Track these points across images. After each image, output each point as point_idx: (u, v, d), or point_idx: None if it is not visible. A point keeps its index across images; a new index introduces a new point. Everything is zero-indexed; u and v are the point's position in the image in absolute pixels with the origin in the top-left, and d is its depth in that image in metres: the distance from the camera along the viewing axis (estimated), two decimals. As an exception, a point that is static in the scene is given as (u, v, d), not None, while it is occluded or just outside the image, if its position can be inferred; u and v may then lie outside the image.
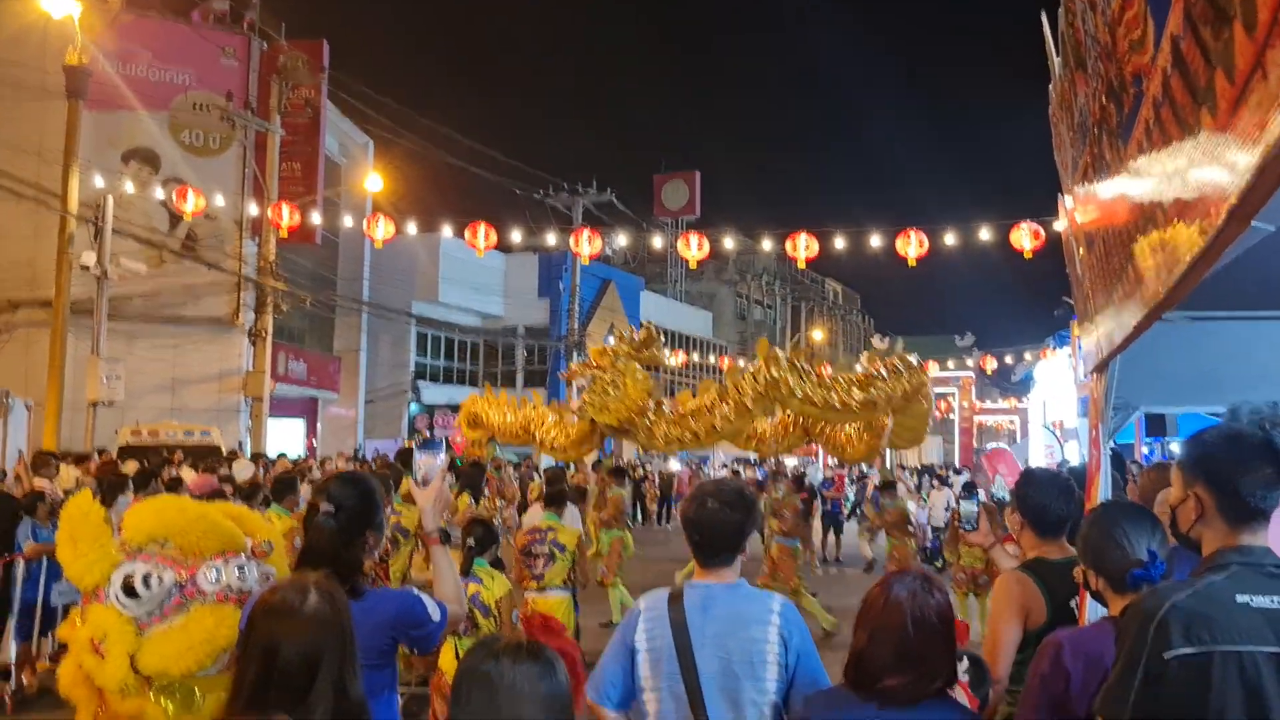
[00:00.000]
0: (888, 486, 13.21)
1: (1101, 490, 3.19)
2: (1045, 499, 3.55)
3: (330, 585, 2.19)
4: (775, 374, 9.82)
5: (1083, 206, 2.71)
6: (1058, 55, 2.85)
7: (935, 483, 22.02)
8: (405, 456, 11.03)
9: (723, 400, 10.33)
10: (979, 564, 10.72)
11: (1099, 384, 3.21)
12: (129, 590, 3.35)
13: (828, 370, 10.71)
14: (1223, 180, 1.24)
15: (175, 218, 23.67)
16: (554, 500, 8.25)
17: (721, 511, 2.98)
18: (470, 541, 5.87)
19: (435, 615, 2.92)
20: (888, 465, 21.65)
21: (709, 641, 2.89)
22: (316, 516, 2.88)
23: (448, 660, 5.68)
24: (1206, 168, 1.31)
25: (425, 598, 2.96)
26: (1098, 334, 2.90)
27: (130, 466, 11.74)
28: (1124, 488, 6.60)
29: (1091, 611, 3.13)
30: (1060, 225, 3.46)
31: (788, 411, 10.78)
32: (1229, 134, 1.16)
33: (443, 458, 3.34)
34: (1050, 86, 3.11)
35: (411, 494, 3.38)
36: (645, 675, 2.94)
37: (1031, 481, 3.67)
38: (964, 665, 2.92)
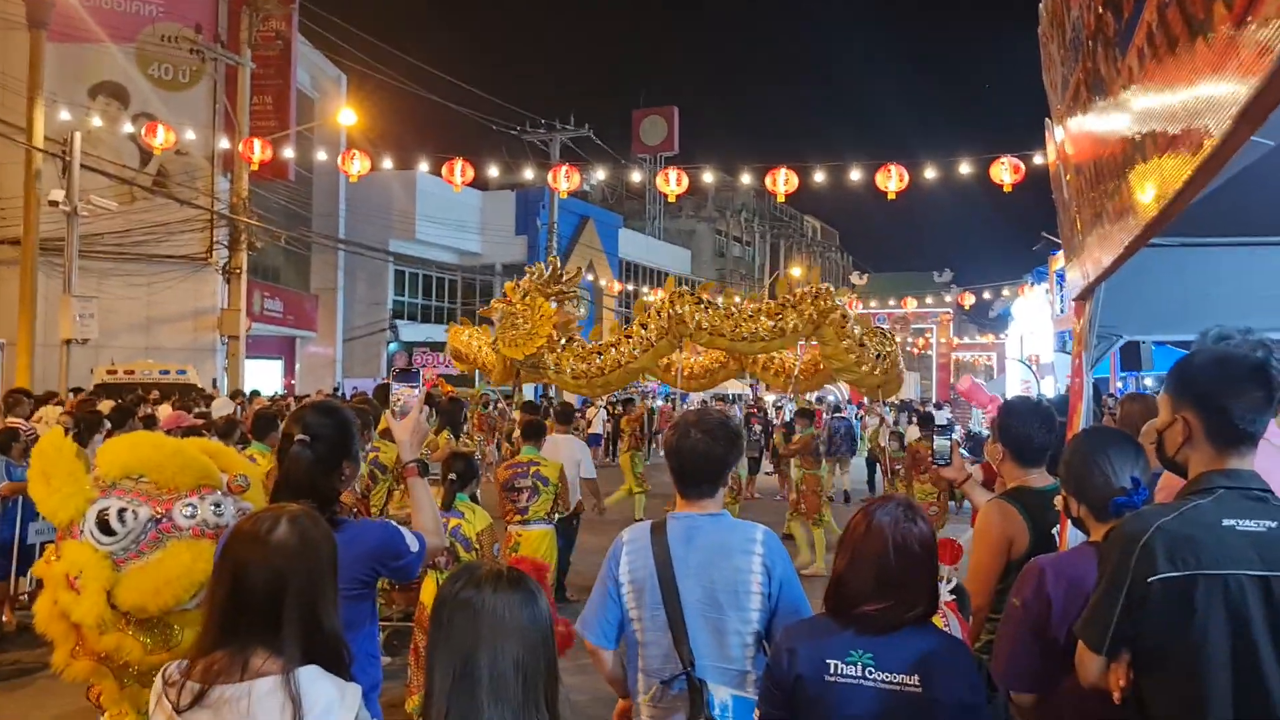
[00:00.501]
0: (802, 414, 13.37)
1: (1084, 419, 3.17)
2: (1026, 428, 3.54)
3: (309, 515, 2.15)
4: (679, 309, 9.91)
5: (1073, 127, 2.65)
6: (1050, -31, 2.78)
7: (913, 418, 22.16)
8: (384, 393, 11.00)
9: (628, 336, 10.38)
10: (930, 498, 11.06)
11: (1083, 311, 3.18)
12: (104, 526, 3.32)
13: (738, 301, 10.81)
14: (1232, 85, 1.18)
15: (146, 154, 23.25)
16: (533, 433, 8.25)
17: (704, 442, 2.95)
18: (452, 476, 5.87)
19: (414, 546, 2.88)
20: (865, 400, 21.80)
21: (692, 572, 2.88)
22: (292, 446, 2.82)
23: (429, 594, 5.69)
24: (1215, 73, 1.25)
25: (404, 529, 2.93)
26: (1084, 260, 2.86)
27: (106, 405, 11.61)
28: (1101, 420, 6.63)
29: (1072, 539, 3.12)
30: (1049, 152, 3.40)
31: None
32: (1243, 31, 1.10)
33: (420, 389, 3.28)
34: (1040, 4, 3.03)
35: (390, 429, 3.32)
36: (630, 606, 2.94)
37: (1012, 411, 3.66)
38: (949, 586, 2.91)
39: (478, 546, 5.61)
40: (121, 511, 3.33)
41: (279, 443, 2.92)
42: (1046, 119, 3.35)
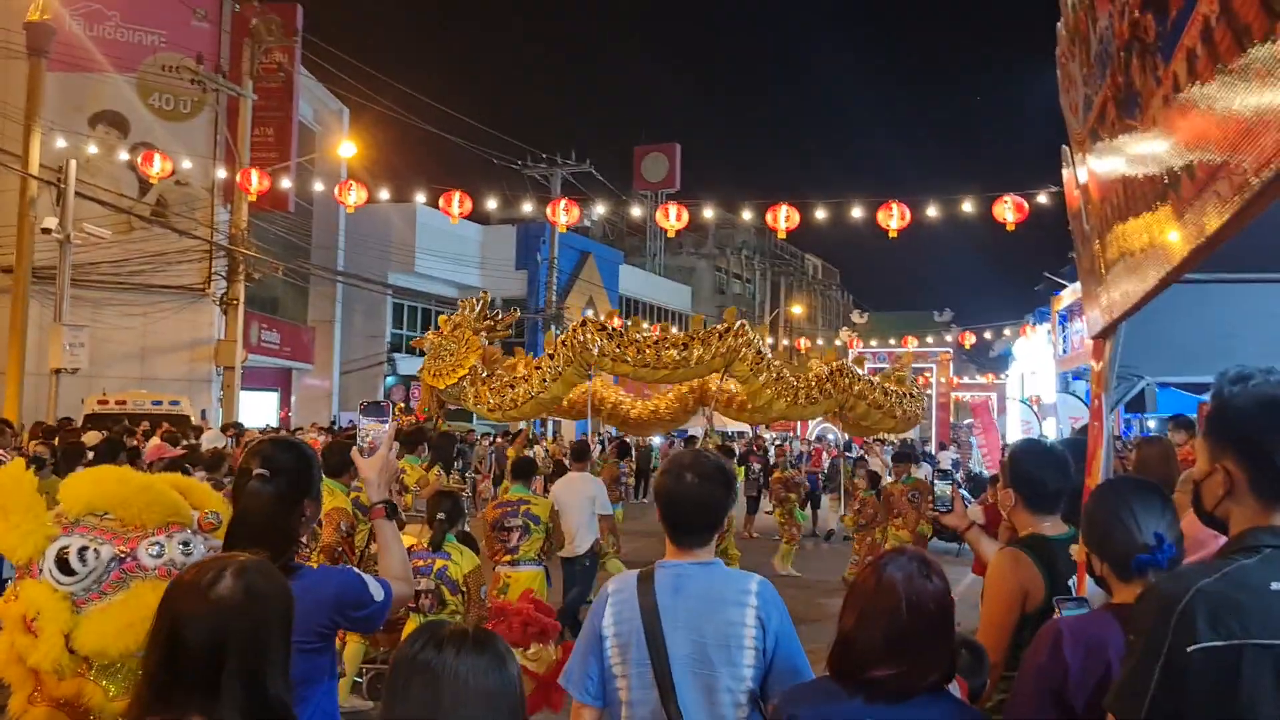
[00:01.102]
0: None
1: (1104, 465, 2.96)
2: (1039, 472, 3.34)
3: (259, 566, 1.94)
4: (582, 337, 9.93)
5: (1098, 150, 2.47)
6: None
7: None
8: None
9: (538, 367, 10.41)
10: (894, 543, 10.65)
11: (1104, 350, 2.98)
12: (64, 565, 3.13)
13: (645, 330, 10.76)
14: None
15: (145, 183, 23.20)
16: (522, 472, 8.06)
17: (698, 486, 2.76)
18: (441, 515, 5.67)
19: (378, 595, 2.67)
20: (867, 440, 21.61)
21: (681, 624, 2.68)
22: (249, 481, 2.60)
23: (412, 637, 5.47)
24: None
25: (367, 576, 2.72)
26: (1107, 295, 2.67)
27: (91, 436, 11.39)
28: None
29: (1091, 591, 2.91)
30: (1065, 178, 3.22)
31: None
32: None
33: (390, 424, 3.06)
34: (1059, 24, 2.86)
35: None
36: (614, 662, 2.73)
37: (1024, 455, 3.45)
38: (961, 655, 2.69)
39: (465, 589, 5.40)
40: (83, 550, 3.14)
41: (235, 478, 2.71)
42: (1064, 145, 3.18)
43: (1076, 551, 3.27)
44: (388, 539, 2.91)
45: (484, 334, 11.15)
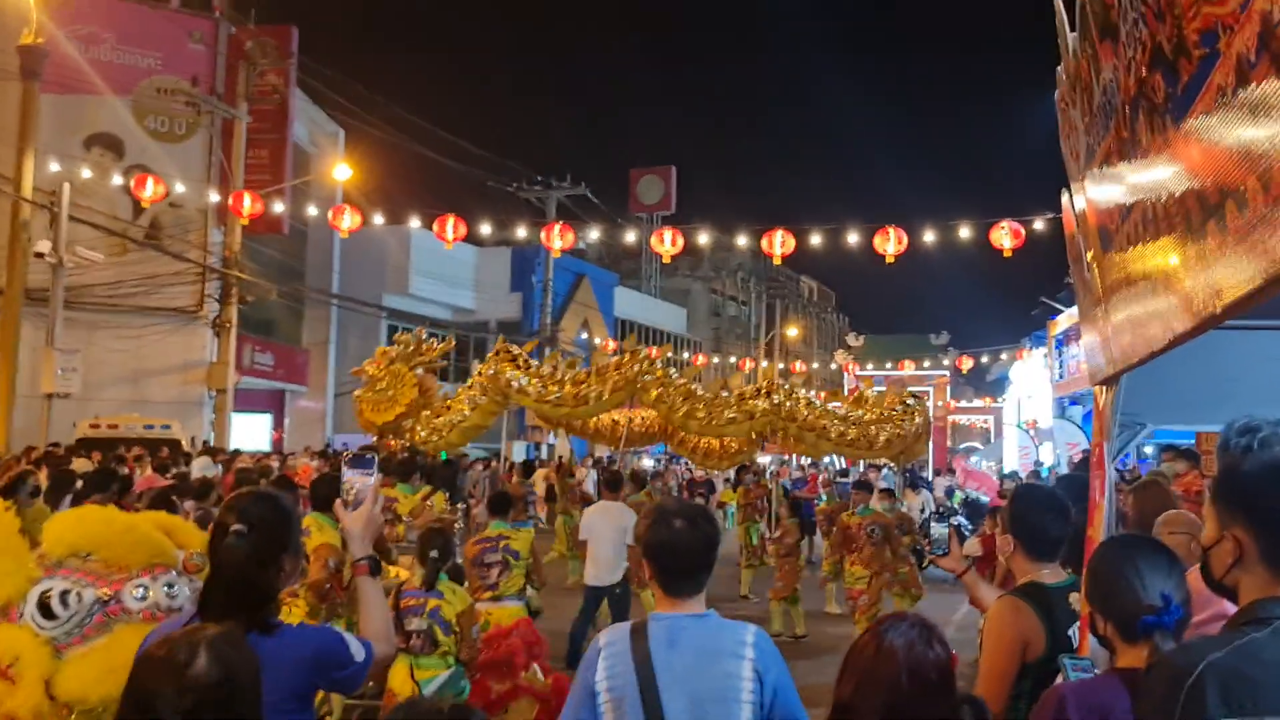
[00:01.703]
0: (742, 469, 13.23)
1: (1106, 517, 2.90)
2: (1039, 518, 3.28)
3: (231, 639, 1.88)
4: (495, 368, 9.96)
5: (1101, 197, 2.42)
6: (1072, 30, 2.56)
7: (911, 484, 21.84)
8: (366, 451, 10.75)
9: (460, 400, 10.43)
10: (861, 582, 10.11)
11: (1106, 398, 2.92)
12: (45, 609, 3.09)
13: (560, 365, 10.67)
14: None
15: (140, 205, 23.18)
16: (500, 507, 7.96)
17: (688, 531, 2.71)
18: (434, 553, 5.57)
19: (359, 655, 2.59)
20: (860, 465, 21.53)
21: (676, 679, 2.61)
22: (226, 537, 2.52)
23: (400, 680, 5.37)
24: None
25: (348, 635, 2.64)
26: (1112, 343, 2.61)
27: (80, 464, 11.28)
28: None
29: (1092, 642, 2.85)
30: (1066, 221, 3.17)
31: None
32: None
33: (376, 476, 2.98)
34: (1059, 69, 2.82)
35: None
36: (608, 718, 2.65)
37: (1024, 500, 3.39)
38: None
39: (457, 630, 5.30)
40: (65, 594, 3.11)
41: (211, 532, 2.63)
42: (1064, 189, 3.14)
43: (1077, 600, 3.21)
44: (369, 597, 2.84)
45: (419, 368, 11.10)
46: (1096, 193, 2.49)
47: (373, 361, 11.40)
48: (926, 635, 2.14)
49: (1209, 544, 2.01)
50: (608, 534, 9.28)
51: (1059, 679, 2.59)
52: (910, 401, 10.57)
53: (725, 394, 10.54)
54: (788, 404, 10.28)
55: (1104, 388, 2.90)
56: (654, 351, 10.13)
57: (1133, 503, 5.02)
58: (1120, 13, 1.83)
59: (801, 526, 15.38)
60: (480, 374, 10.12)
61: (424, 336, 11.52)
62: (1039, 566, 3.27)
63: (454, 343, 11.51)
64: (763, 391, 10.52)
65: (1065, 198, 3.19)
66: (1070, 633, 3.17)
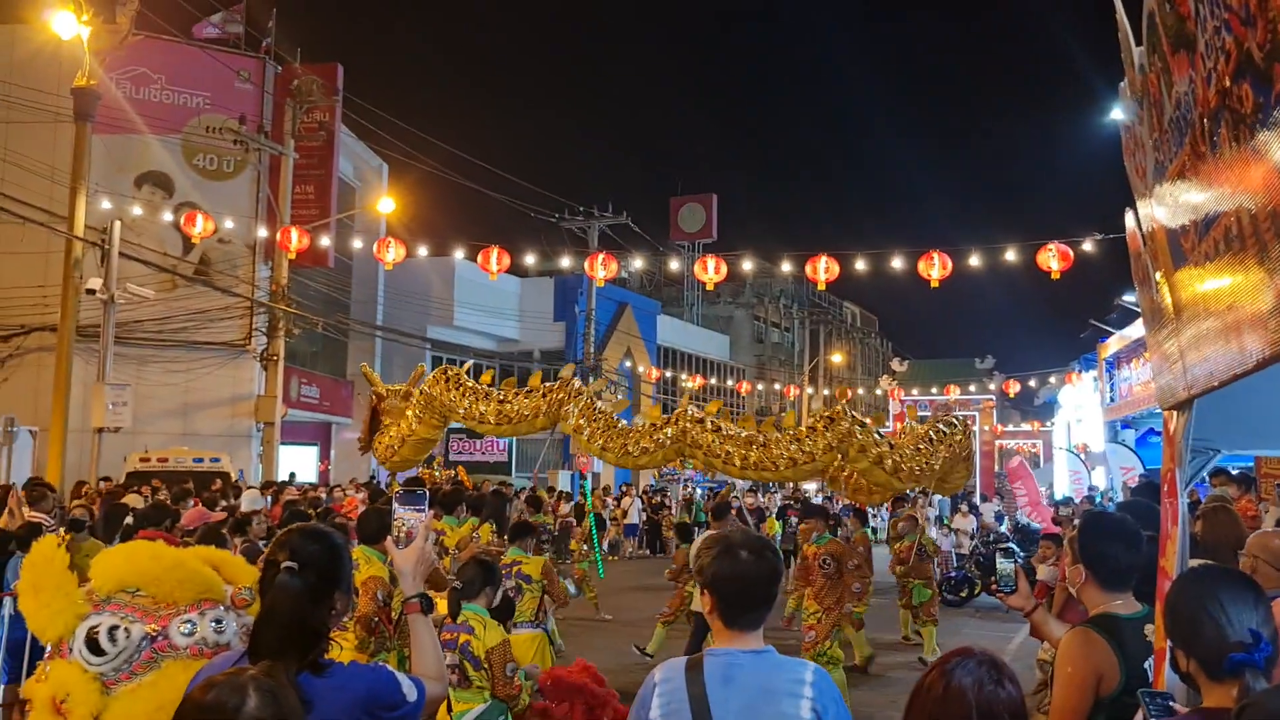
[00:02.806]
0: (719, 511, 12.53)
1: (1179, 548, 2.78)
2: (1111, 548, 3.16)
3: (276, 683, 1.83)
4: (430, 389, 9.89)
5: (1172, 213, 2.33)
6: (1137, 45, 2.48)
7: (963, 508, 21.55)
8: (412, 484, 10.73)
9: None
10: (814, 618, 9.42)
11: (1178, 423, 2.81)
12: (93, 645, 3.08)
13: (495, 389, 10.46)
14: None
15: (189, 242, 23.58)
16: (518, 534, 7.97)
17: (754, 562, 2.64)
18: (457, 583, 5.47)
19: (411, 695, 2.54)
20: (910, 493, 21.22)
21: (732, 717, 2.52)
22: (278, 574, 2.48)
23: (437, 713, 5.29)
24: None
25: (400, 675, 2.59)
26: (1185, 364, 2.51)
27: (133, 499, 11.37)
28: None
29: (1169, 675, 2.72)
30: (1133, 237, 3.07)
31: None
32: None
33: (428, 513, 2.93)
34: (1122, 85, 2.74)
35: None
36: None
37: (1094, 529, 3.27)
38: None
39: (487, 665, 5.20)
40: (113, 629, 3.09)
41: (262, 569, 2.59)
42: (1129, 210, 3.04)
43: (1151, 632, 3.09)
44: (421, 635, 2.79)
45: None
46: (1167, 209, 2.40)
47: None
48: (996, 673, 2.05)
49: None
50: None
51: (1138, 717, 2.48)
52: (944, 427, 9.72)
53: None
54: (706, 437, 9.12)
55: (1175, 412, 2.80)
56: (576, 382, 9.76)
57: (1202, 529, 4.87)
58: (1198, 22, 1.76)
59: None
60: (420, 392, 10.13)
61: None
62: (1111, 597, 3.16)
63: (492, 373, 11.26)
64: (678, 417, 9.59)
65: (1129, 217, 3.09)
66: (1145, 666, 3.05)
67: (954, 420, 9.99)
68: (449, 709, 5.15)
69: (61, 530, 7.93)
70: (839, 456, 8.55)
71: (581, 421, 9.32)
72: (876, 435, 8.69)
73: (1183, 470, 2.83)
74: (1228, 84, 1.61)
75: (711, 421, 8.94)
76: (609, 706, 6.01)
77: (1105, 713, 2.99)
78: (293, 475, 18.94)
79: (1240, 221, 1.70)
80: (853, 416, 8.70)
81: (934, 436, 9.38)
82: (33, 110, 22.29)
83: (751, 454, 8.75)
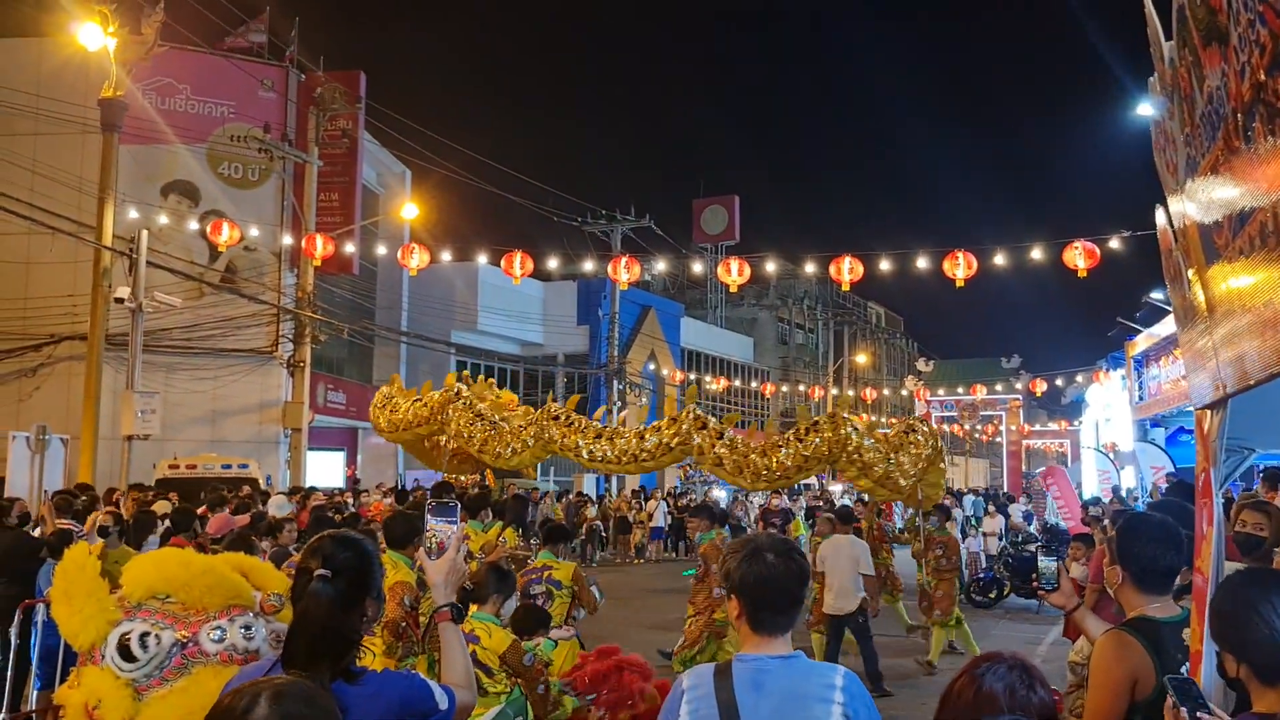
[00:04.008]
0: (699, 511, 12.05)
1: (1215, 549, 2.74)
2: (1151, 549, 3.09)
3: (310, 692, 1.82)
4: (388, 392, 10.02)
5: (1205, 209, 2.30)
6: (1167, 39, 2.45)
7: (990, 508, 21.41)
8: (440, 489, 10.70)
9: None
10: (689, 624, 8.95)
11: (1212, 422, 2.77)
12: (125, 651, 3.10)
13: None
14: None
15: (215, 250, 23.78)
16: (551, 537, 7.95)
17: (781, 565, 2.59)
18: (468, 584, 5.47)
19: (442, 703, 2.54)
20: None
21: None
22: (311, 582, 2.48)
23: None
24: None
25: (431, 683, 2.59)
26: (1220, 362, 2.48)
27: (161, 505, 11.46)
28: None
29: (1206, 679, 2.68)
30: (1164, 234, 3.03)
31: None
32: None
33: (459, 526, 2.95)
34: (1152, 79, 2.71)
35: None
36: None
37: (1134, 530, 3.20)
38: None
39: (504, 668, 5.20)
40: (144, 636, 3.10)
41: (294, 577, 2.60)
42: (1159, 206, 3.00)
43: (1189, 634, 3.04)
44: (451, 644, 2.79)
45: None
46: (1199, 205, 2.37)
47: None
48: (1028, 678, 2.02)
49: None
50: (841, 565, 10.14)
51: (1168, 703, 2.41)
52: (911, 432, 9.02)
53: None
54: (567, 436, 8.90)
55: (1209, 411, 2.76)
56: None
57: (1234, 524, 4.81)
58: (1230, 15, 1.73)
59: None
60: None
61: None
62: (1149, 600, 3.09)
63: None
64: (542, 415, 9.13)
65: (1160, 214, 3.05)
66: (1182, 670, 3.01)
67: (915, 425, 9.60)
68: None
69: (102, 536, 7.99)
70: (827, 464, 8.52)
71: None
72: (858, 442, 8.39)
73: (1217, 470, 2.79)
74: (1262, 77, 1.59)
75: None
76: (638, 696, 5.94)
77: (1140, 715, 2.95)
78: (312, 489, 19.04)
79: (1276, 217, 1.67)
80: (846, 420, 8.45)
81: (899, 443, 8.94)
82: (61, 122, 22.56)
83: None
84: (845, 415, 8.46)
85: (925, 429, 9.44)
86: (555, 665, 6.85)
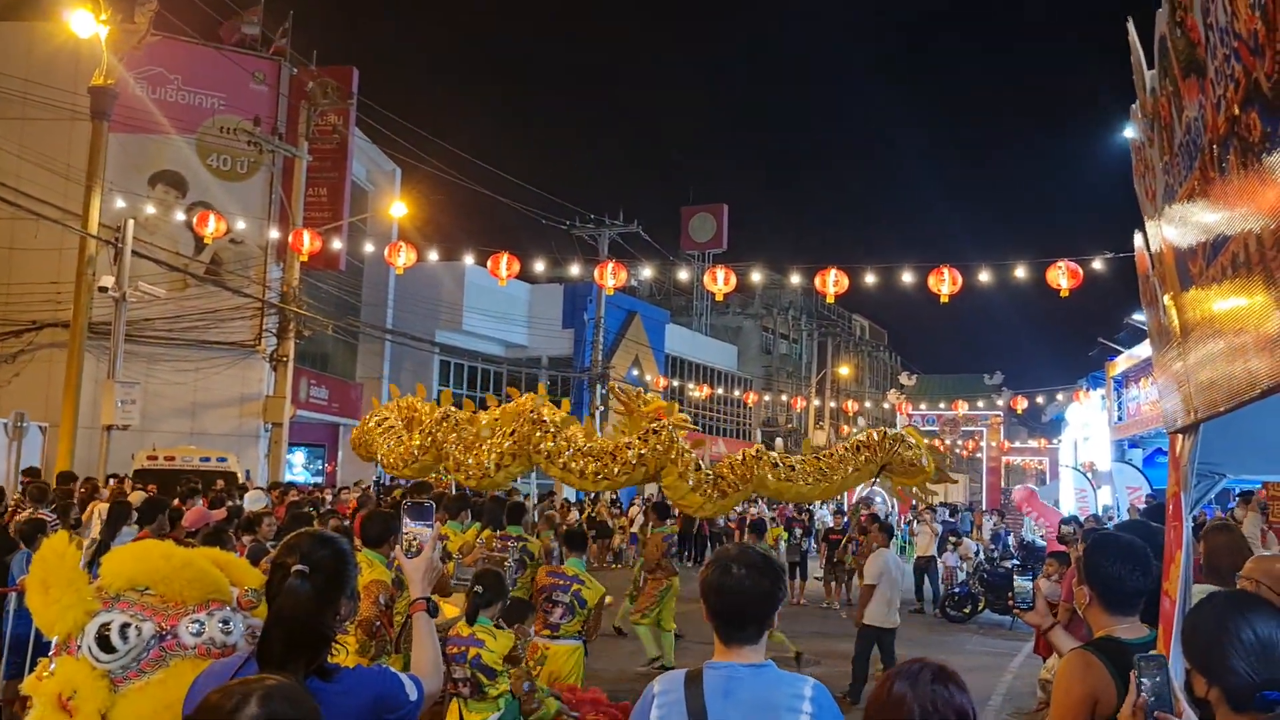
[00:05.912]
0: (658, 508, 12.82)
1: (1183, 571, 2.77)
2: (1118, 569, 3.11)
3: (297, 693, 1.84)
4: (369, 425, 10.14)
5: (1181, 235, 2.34)
6: (1149, 68, 2.50)
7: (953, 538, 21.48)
8: (417, 490, 10.69)
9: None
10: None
11: (1184, 446, 2.81)
12: (104, 642, 3.10)
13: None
14: None
15: (201, 241, 23.69)
16: (576, 544, 7.92)
17: (749, 579, 2.63)
18: (478, 588, 5.53)
19: (412, 694, 2.61)
20: (914, 504, 21.25)
21: None
22: (287, 578, 2.50)
23: (452, 722, 5.35)
24: None
25: (403, 676, 2.64)
26: (1191, 387, 2.52)
27: (136, 496, 11.41)
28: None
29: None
30: (1142, 258, 3.08)
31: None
32: None
33: (435, 526, 3.06)
34: (1134, 106, 2.75)
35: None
36: None
37: (1102, 549, 3.22)
38: None
39: (505, 669, 5.26)
40: (124, 627, 3.10)
41: (270, 572, 2.62)
42: (1137, 230, 3.05)
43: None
44: (423, 635, 2.90)
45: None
46: (1176, 231, 2.41)
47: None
48: (943, 677, 2.02)
49: None
50: (897, 579, 10.28)
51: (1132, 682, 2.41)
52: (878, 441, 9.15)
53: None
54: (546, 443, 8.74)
55: (1181, 435, 2.79)
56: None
57: (1203, 548, 4.85)
58: (1208, 49, 1.77)
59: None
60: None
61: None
62: (1116, 621, 3.11)
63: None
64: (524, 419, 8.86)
65: (1139, 238, 3.10)
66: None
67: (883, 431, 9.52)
68: (461, 717, 5.20)
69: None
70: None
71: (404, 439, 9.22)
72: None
73: (1188, 494, 2.82)
74: (1236, 111, 1.63)
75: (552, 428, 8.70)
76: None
77: (1101, 738, 2.97)
78: (291, 485, 18.96)
79: (1248, 246, 1.71)
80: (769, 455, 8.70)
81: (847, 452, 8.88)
82: (50, 108, 22.43)
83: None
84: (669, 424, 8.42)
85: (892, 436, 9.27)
86: (564, 671, 6.93)
